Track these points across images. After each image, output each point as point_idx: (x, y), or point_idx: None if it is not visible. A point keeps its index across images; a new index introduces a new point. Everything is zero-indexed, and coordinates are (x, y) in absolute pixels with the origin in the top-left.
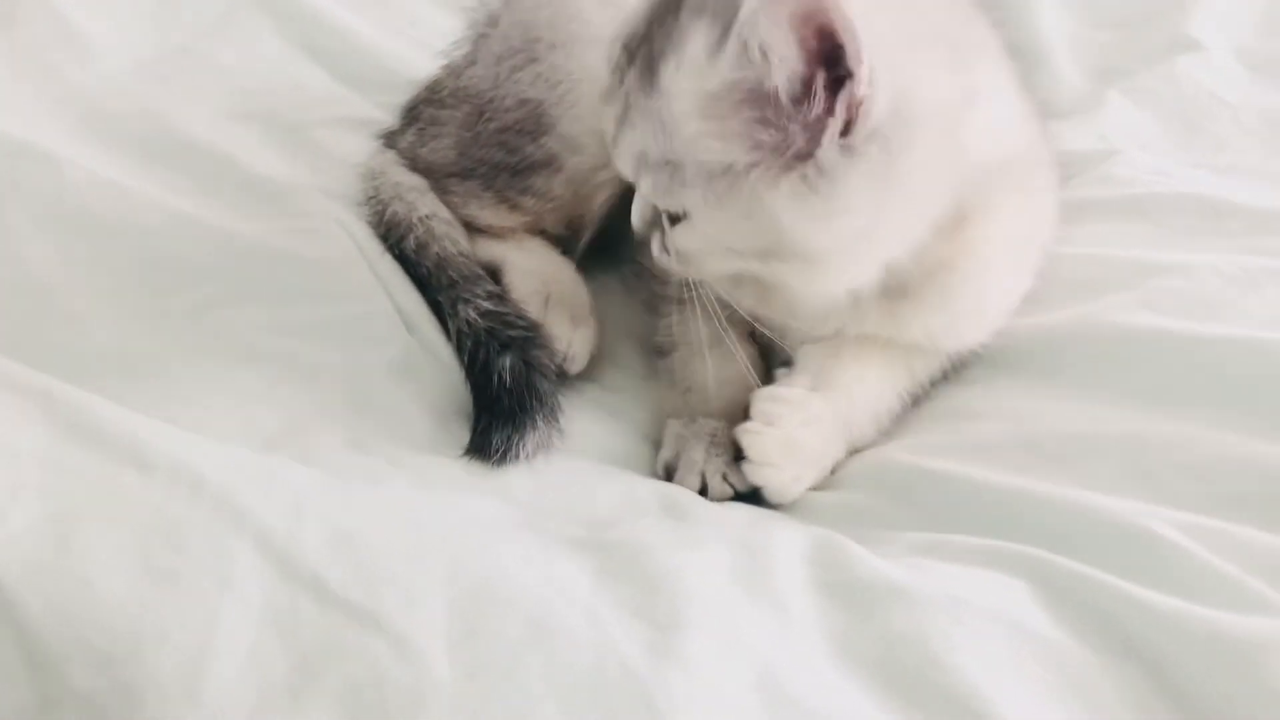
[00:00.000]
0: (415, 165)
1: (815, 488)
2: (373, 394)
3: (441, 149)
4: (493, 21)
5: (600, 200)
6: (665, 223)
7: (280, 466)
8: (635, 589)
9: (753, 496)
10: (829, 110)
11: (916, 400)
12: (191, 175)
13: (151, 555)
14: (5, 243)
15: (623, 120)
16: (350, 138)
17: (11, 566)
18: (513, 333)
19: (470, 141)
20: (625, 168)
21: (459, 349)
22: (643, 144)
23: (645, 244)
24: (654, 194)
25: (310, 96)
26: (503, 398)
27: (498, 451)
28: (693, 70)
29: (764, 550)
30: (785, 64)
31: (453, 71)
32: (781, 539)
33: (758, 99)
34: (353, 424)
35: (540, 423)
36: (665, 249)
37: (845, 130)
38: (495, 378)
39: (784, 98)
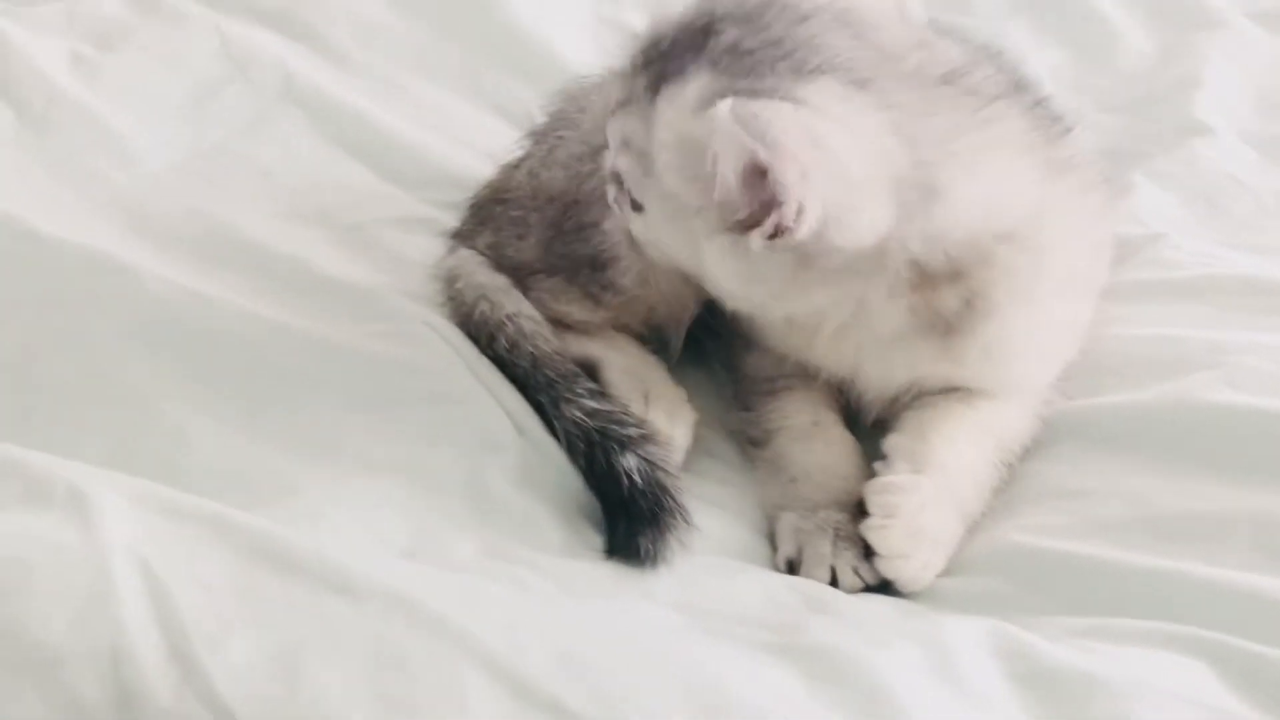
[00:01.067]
0: (500, 264)
1: (941, 574)
2: (496, 498)
3: (527, 247)
4: (566, 124)
5: (686, 303)
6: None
7: (483, 584)
8: (850, 693)
9: (878, 586)
10: (760, 219)
11: (1010, 469)
12: (265, 279)
13: (383, 686)
14: (94, 358)
15: (622, 106)
16: (411, 237)
17: (245, 705)
18: (628, 431)
19: (554, 239)
20: (612, 139)
21: (570, 450)
22: (630, 133)
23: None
24: (627, 175)
25: (359, 195)
26: (637, 499)
27: (648, 555)
28: (681, 111)
29: (944, 644)
30: (725, 182)
31: (528, 172)
32: (953, 631)
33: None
34: (483, 531)
35: (681, 521)
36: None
37: (772, 235)
38: (624, 479)
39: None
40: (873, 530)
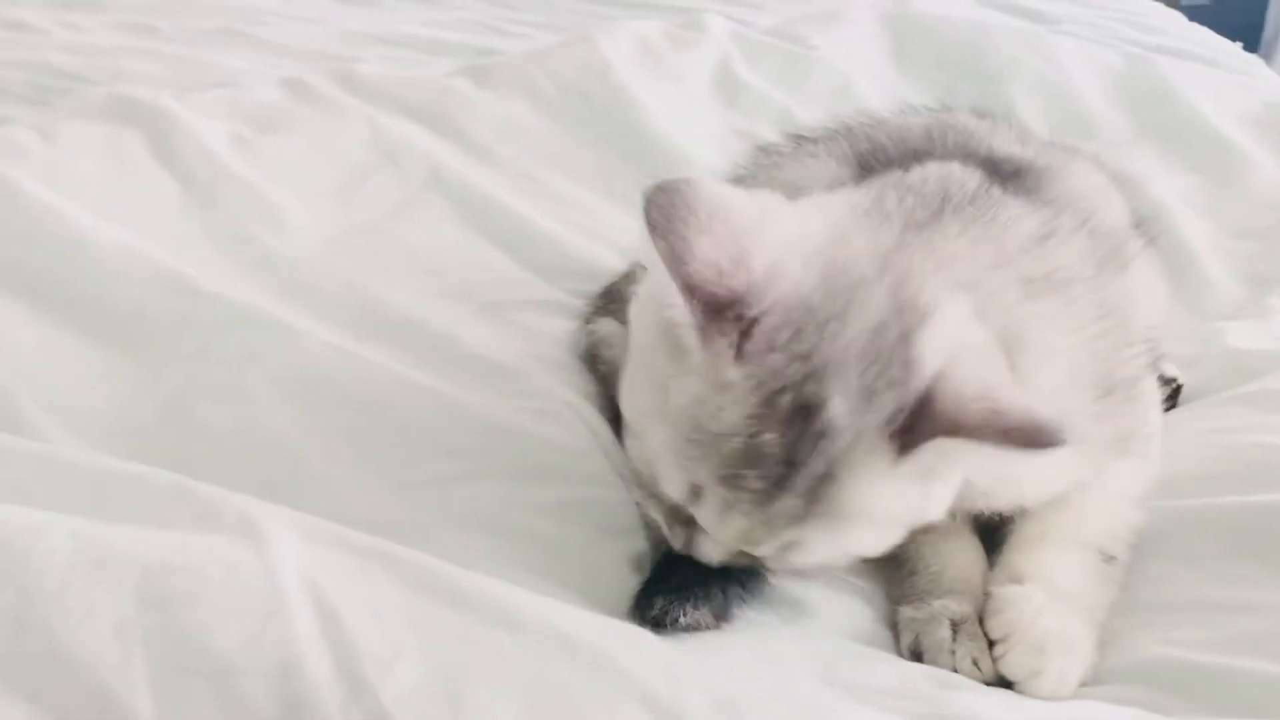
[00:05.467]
0: None
1: (1084, 684)
2: (617, 580)
3: None
4: None
5: None
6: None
7: (639, 631)
8: None
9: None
10: None
11: (1117, 563)
12: (414, 349)
13: (545, 716)
14: (247, 408)
15: (778, 531)
16: (547, 319)
17: None
18: None
19: None
20: (767, 552)
21: None
22: (810, 538)
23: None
24: (812, 561)
25: (498, 279)
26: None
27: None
28: (881, 480)
29: None
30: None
31: None
32: (1101, 712)
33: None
34: (603, 608)
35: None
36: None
37: None
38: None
39: None
40: (999, 660)
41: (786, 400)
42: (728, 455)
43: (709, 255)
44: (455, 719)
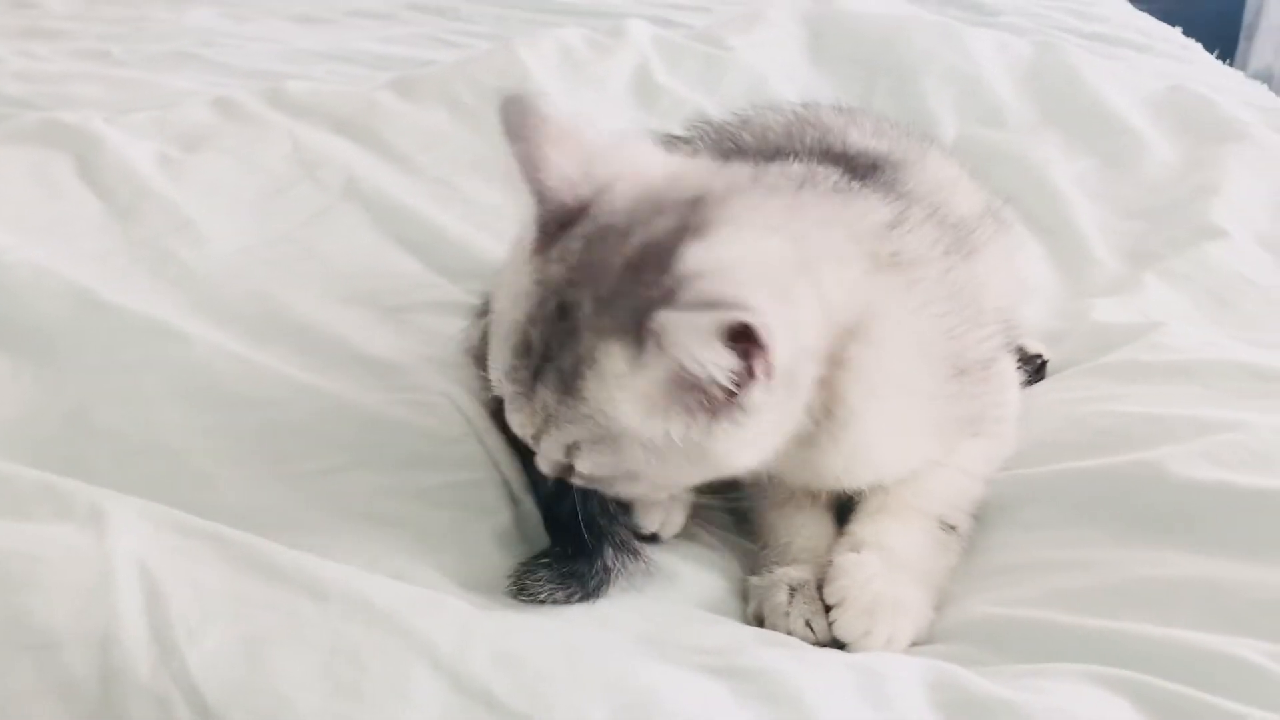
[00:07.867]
0: None
1: (917, 643)
2: (483, 556)
3: None
4: None
5: None
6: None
7: (442, 597)
8: (774, 707)
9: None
10: (751, 374)
11: (956, 531)
12: (308, 352)
13: (336, 673)
14: (141, 412)
15: (546, 426)
16: (448, 319)
17: (213, 685)
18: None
19: None
20: (553, 454)
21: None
22: (575, 437)
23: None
24: (595, 471)
25: (407, 282)
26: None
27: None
28: (617, 381)
29: (879, 673)
30: (719, 366)
31: None
32: (894, 663)
33: (685, 381)
34: (468, 582)
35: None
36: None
37: (767, 375)
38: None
39: (714, 382)
40: (834, 624)
41: (552, 302)
42: (509, 349)
43: (560, 165)
44: (254, 676)
